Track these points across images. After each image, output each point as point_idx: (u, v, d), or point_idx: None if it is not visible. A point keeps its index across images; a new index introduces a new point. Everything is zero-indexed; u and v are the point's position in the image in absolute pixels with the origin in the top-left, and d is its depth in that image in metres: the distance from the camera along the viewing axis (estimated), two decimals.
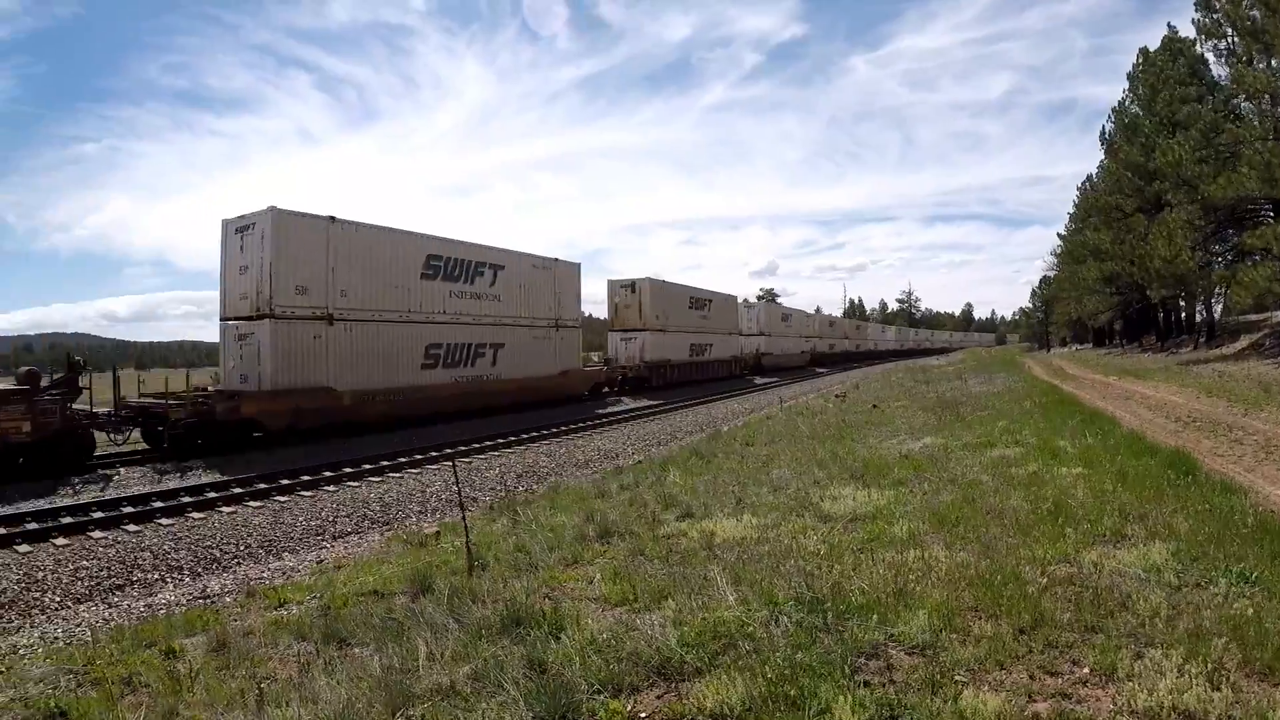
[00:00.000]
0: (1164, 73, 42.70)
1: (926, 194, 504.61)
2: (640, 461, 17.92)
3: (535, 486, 16.03)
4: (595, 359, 46.86)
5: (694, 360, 50.75)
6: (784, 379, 58.03)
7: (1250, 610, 5.35)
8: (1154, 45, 47.84)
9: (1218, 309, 56.71)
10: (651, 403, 35.96)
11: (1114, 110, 57.01)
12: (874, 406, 25.32)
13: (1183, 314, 59.85)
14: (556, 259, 35.18)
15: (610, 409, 33.57)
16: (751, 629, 5.41)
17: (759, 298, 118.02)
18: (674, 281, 49.93)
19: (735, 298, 62.10)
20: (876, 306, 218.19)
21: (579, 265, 37.58)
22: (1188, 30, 39.35)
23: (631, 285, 45.62)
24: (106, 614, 9.05)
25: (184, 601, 9.23)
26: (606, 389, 40.93)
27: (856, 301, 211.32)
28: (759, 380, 55.66)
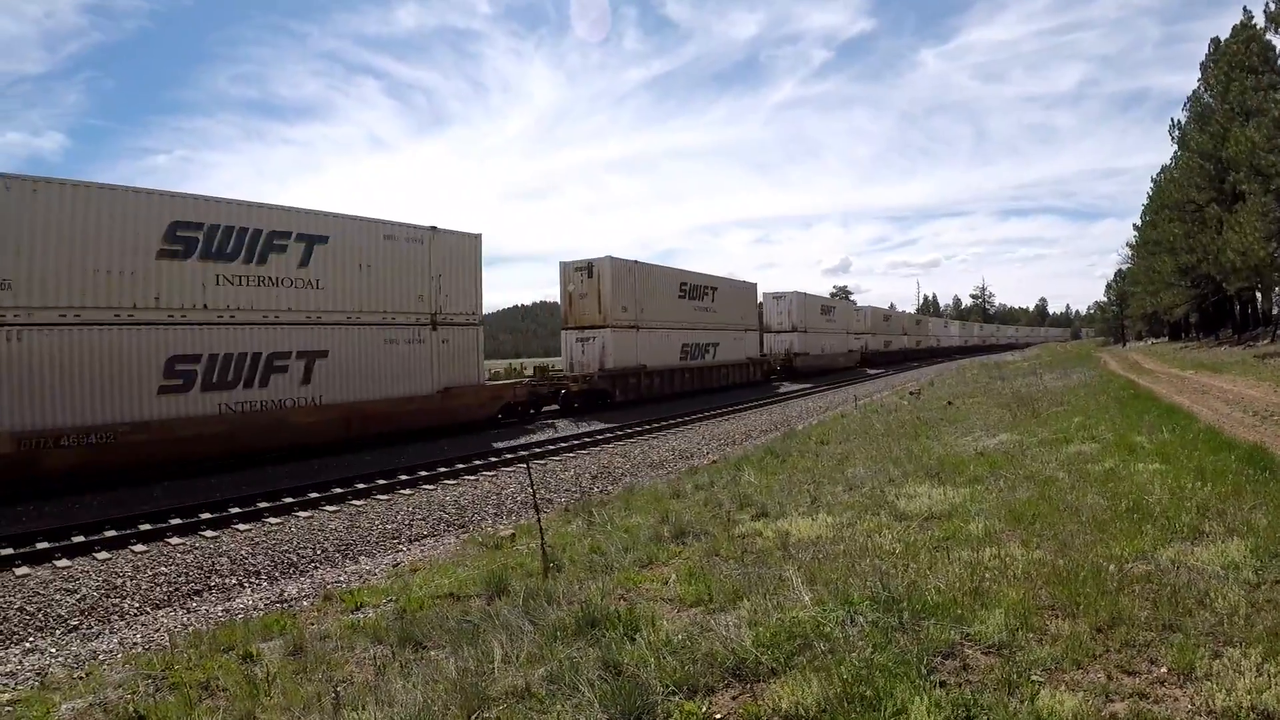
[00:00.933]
0: (1236, 60, 41.84)
1: (999, 188, 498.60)
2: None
3: (611, 488, 16.13)
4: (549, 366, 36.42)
5: (688, 365, 39.70)
6: (822, 383, 48.65)
7: None
8: (1225, 33, 46.99)
9: None
10: (598, 428, 25.83)
11: (1188, 100, 56.18)
12: (949, 403, 25.16)
13: (1259, 306, 58.59)
14: (436, 227, 24.91)
15: (519, 440, 23.56)
16: (827, 629, 5.41)
17: (833, 294, 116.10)
18: (655, 263, 38.31)
19: (753, 286, 50.27)
20: (950, 302, 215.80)
21: (479, 237, 26.86)
22: (1261, 17, 38.51)
23: (588, 267, 34.08)
24: (185, 619, 9.25)
25: (261, 606, 9.39)
26: (534, 409, 29.76)
27: (930, 297, 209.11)
28: (785, 388, 45.58)
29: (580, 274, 34.23)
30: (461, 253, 26.01)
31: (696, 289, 41.52)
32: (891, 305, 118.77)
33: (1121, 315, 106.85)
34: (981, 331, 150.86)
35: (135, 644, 8.39)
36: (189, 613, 9.48)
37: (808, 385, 47.07)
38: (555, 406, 31.75)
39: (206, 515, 13.43)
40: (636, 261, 35.88)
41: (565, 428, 26.67)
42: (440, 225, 25.06)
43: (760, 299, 53.36)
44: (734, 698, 4.73)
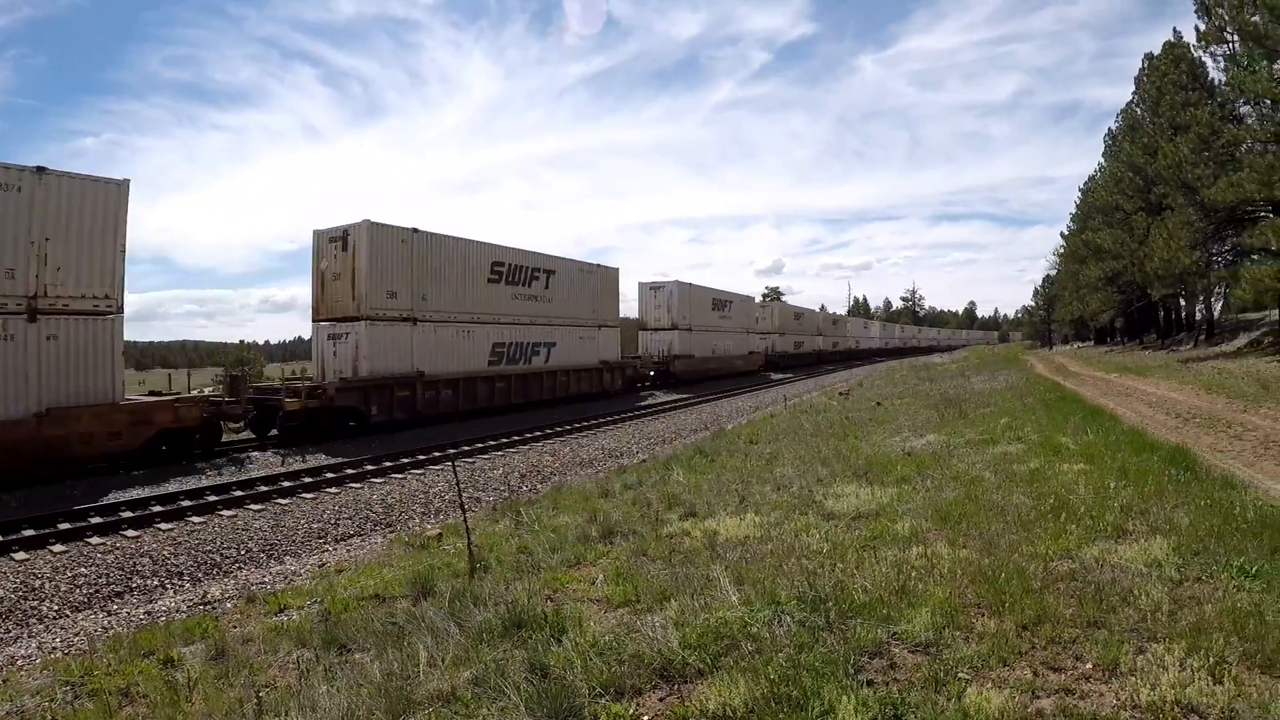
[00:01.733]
0: (1167, 77, 42.76)
1: (933, 193, 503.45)
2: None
3: (539, 486, 16.03)
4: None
5: (503, 372, 30.30)
6: (703, 392, 40.31)
7: (1251, 604, 5.35)
8: (1159, 49, 48.01)
9: (1217, 307, 56.74)
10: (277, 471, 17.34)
11: (1121, 113, 57.53)
12: (877, 404, 25.46)
13: (1183, 312, 59.89)
14: (43, 169, 16.76)
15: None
16: (754, 629, 5.41)
17: (766, 295, 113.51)
18: (452, 234, 28.59)
19: (611, 271, 40.26)
20: (881, 305, 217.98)
21: (123, 185, 18.47)
22: (1192, 35, 39.45)
23: (343, 236, 24.91)
24: (106, 622, 9.00)
25: (183, 608, 9.14)
26: (216, 438, 20.61)
27: (861, 299, 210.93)
28: (653, 400, 37.11)
29: (334, 246, 25.28)
30: (87, 207, 17.59)
31: (520, 271, 31.69)
32: (822, 307, 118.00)
33: (1049, 319, 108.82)
34: (903, 333, 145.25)
35: (54, 649, 8.13)
36: (110, 615, 9.21)
37: (683, 396, 38.18)
38: (270, 432, 23.12)
39: (128, 514, 13.10)
40: (416, 230, 26.43)
41: (237, 469, 18.34)
42: (50, 167, 16.95)
43: (634, 290, 49.23)
44: (661, 699, 4.69)
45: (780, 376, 58.44)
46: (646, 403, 35.53)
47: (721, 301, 55.49)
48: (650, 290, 48.47)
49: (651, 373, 44.69)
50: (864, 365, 79.69)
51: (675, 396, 38.25)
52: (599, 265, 39.14)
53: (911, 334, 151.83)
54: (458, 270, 28.37)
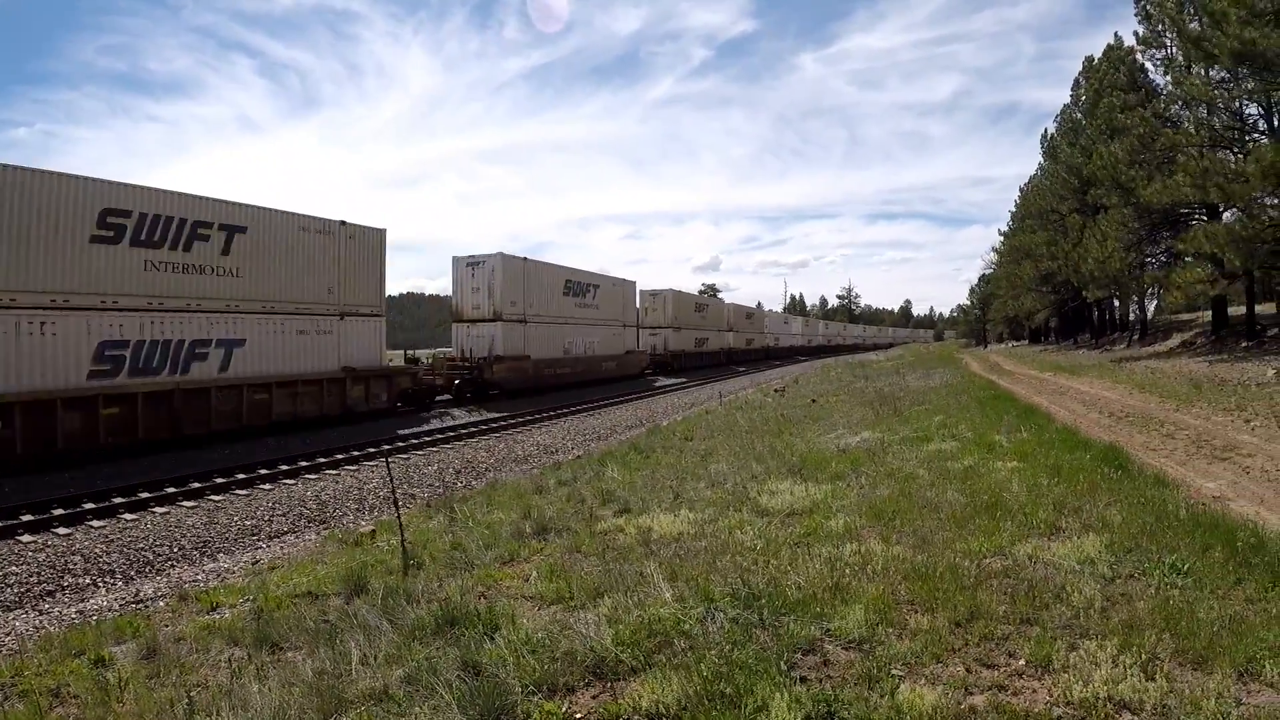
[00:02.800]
0: (1106, 80, 43.39)
1: (871, 192, 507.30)
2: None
3: (474, 483, 15.91)
4: None
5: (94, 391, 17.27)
6: (538, 409, 29.16)
7: (1183, 601, 5.42)
8: (1099, 52, 48.73)
9: (1150, 308, 57.74)
10: None
11: (1058, 116, 58.43)
12: (812, 401, 25.64)
13: (1116, 313, 60.90)
14: None
15: None
16: (687, 626, 5.39)
17: (702, 292, 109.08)
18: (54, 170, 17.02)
19: (376, 233, 26.66)
20: (817, 302, 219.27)
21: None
22: (1131, 39, 40.08)
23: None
24: (37, 621, 8.79)
25: (116, 607, 8.96)
26: None
27: (798, 297, 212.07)
28: (420, 426, 24.61)
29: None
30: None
31: (173, 230, 19.52)
32: (759, 304, 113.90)
33: (984, 318, 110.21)
34: (828, 330, 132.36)
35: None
36: (41, 615, 8.98)
37: (480, 419, 26.46)
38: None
39: (59, 511, 12.79)
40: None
41: None
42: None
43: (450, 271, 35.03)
44: (594, 697, 4.66)
45: (671, 383, 46.20)
46: (414, 429, 23.74)
47: (581, 285, 42.07)
48: (467, 267, 34.36)
49: (457, 381, 31.90)
50: (782, 366, 71.42)
51: (472, 419, 26.57)
52: (340, 222, 25.11)
53: (836, 331, 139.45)
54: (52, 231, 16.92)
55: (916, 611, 5.60)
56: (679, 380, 47.97)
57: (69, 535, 11.72)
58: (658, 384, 44.84)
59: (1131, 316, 55.71)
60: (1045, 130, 62.10)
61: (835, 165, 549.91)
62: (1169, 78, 35.11)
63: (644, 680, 4.70)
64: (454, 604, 6.19)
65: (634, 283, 51.22)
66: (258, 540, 12.07)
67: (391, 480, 9.89)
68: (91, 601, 9.37)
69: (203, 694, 5.18)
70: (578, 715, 4.46)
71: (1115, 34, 44.86)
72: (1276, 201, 27.42)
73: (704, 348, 63.67)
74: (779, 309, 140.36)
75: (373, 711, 4.61)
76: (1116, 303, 58.10)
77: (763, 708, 4.21)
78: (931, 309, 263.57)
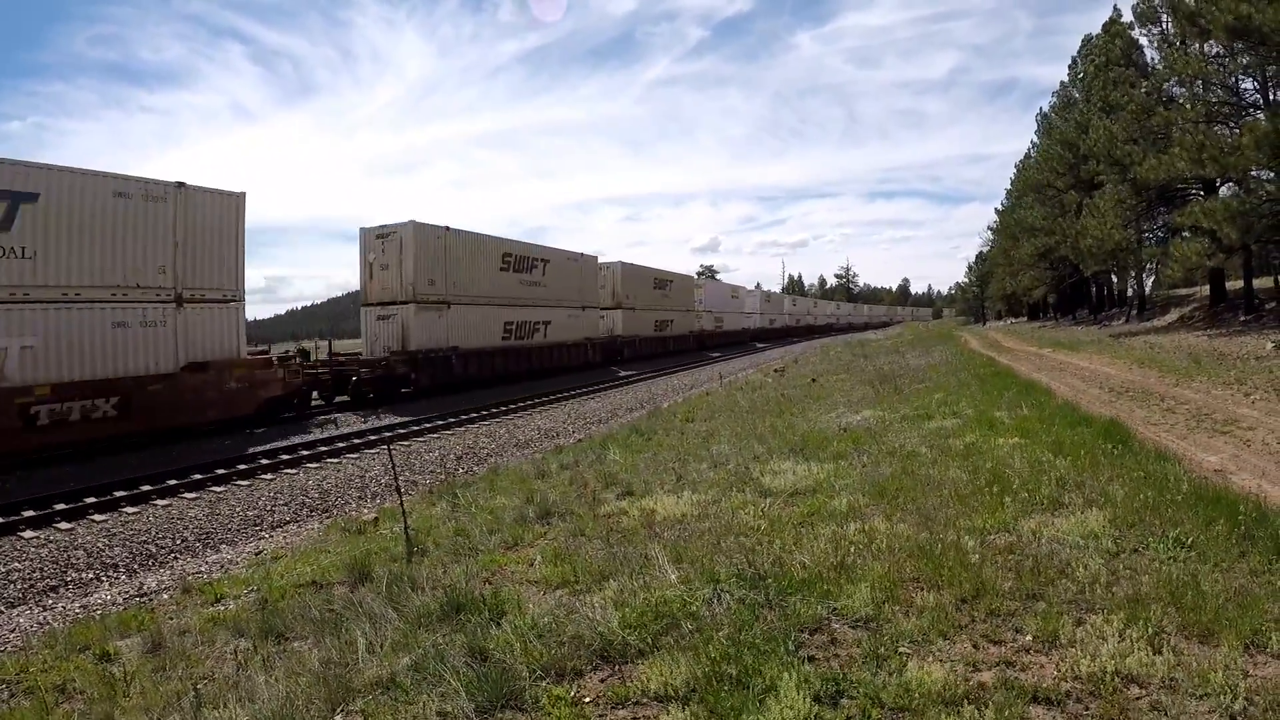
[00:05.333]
0: (1103, 56, 43.30)
1: (868, 170, 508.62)
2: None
3: (475, 469, 15.91)
4: None
5: None
6: (451, 410, 23.79)
7: (1187, 575, 5.41)
8: (1097, 27, 48.67)
9: (1148, 283, 57.66)
10: None
11: (1055, 92, 58.44)
12: (812, 380, 25.53)
13: (1114, 288, 60.91)
14: None
15: None
16: (694, 608, 5.39)
17: (700, 274, 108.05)
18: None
19: (223, 195, 21.19)
20: (816, 282, 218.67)
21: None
22: (1128, 15, 39.96)
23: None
24: (42, 617, 8.79)
25: (119, 601, 8.94)
26: None
27: (796, 277, 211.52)
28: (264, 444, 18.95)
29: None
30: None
31: None
32: (758, 285, 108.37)
33: (982, 296, 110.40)
34: (794, 308, 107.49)
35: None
36: (45, 610, 8.96)
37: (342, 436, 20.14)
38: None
39: (61, 506, 12.77)
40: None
41: None
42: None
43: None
44: (602, 680, 4.66)
45: (622, 374, 39.12)
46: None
47: (526, 260, 36.35)
48: (376, 239, 28.76)
49: (355, 379, 26.73)
50: (741, 356, 55.08)
51: (346, 431, 21.06)
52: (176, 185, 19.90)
53: (804, 309, 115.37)
54: None
55: (922, 589, 5.60)
56: (631, 371, 40.82)
57: (70, 530, 11.72)
58: (620, 374, 39.14)
59: (1130, 292, 55.68)
60: (1039, 109, 62.20)
61: (833, 144, 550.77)
62: (1162, 55, 35.01)
63: (652, 663, 4.69)
64: (459, 590, 6.18)
65: (595, 257, 45.06)
66: (260, 530, 12.04)
67: (394, 468, 9.88)
68: (95, 596, 9.35)
69: (209, 686, 5.17)
70: (586, 699, 4.46)
71: (1115, 6, 44.65)
72: (1272, 175, 27.44)
73: (666, 331, 55.81)
74: (778, 289, 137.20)
75: (381, 700, 4.60)
76: (1115, 278, 58.10)
77: (771, 688, 4.21)
78: (930, 287, 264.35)
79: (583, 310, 42.14)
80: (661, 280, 55.35)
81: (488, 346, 32.39)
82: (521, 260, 35.68)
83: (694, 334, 61.62)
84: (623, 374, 39.06)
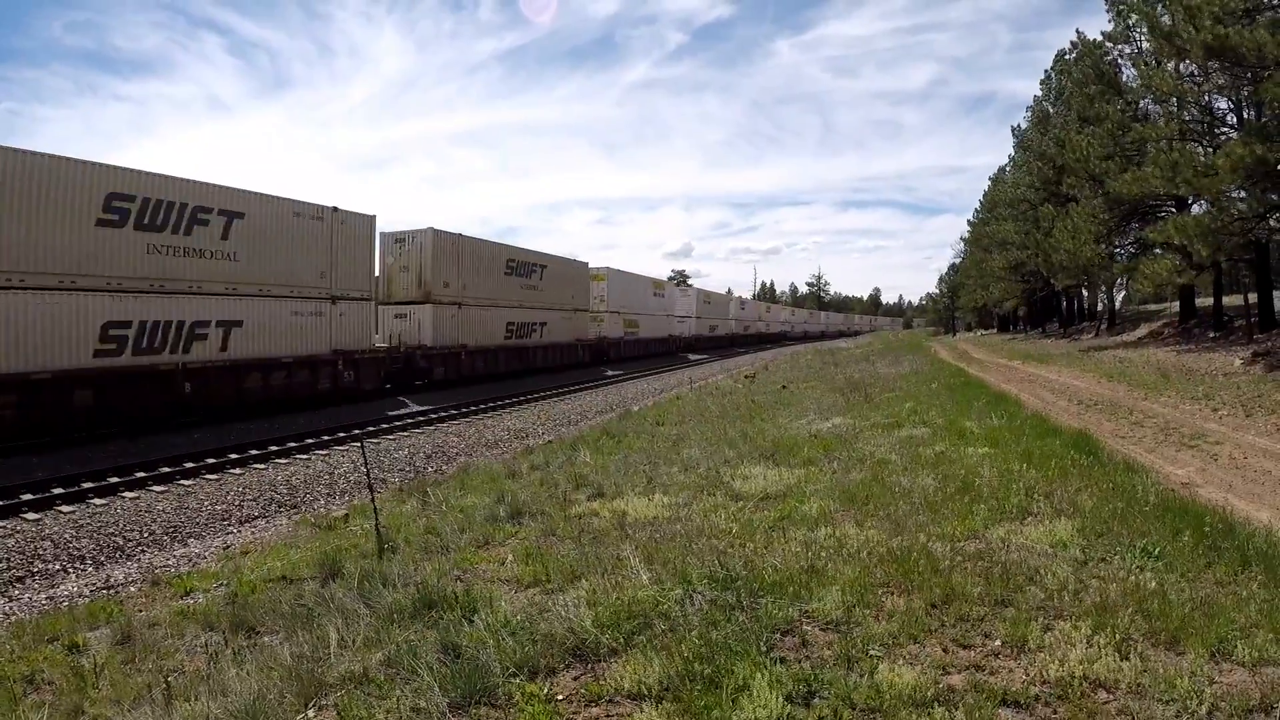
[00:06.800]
0: (1077, 72, 43.63)
1: (843, 179, 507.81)
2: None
3: (445, 467, 15.89)
4: None
5: None
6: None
7: (1154, 583, 5.48)
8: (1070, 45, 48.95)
9: (1119, 298, 58.30)
10: None
11: (1030, 106, 58.69)
12: (783, 387, 25.67)
13: (1085, 302, 61.33)
14: None
15: None
16: (666, 608, 5.42)
17: (672, 279, 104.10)
18: None
19: None
20: (788, 289, 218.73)
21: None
22: (1098, 34, 40.30)
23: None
24: (7, 608, 8.71)
25: (87, 593, 8.87)
26: None
27: (768, 284, 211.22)
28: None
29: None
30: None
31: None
32: (729, 290, 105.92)
33: (953, 307, 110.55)
34: (743, 312, 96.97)
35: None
36: (11, 601, 8.89)
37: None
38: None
39: (27, 496, 12.66)
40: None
41: None
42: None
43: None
44: (575, 678, 4.67)
45: (617, 373, 41.29)
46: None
47: (527, 265, 39.28)
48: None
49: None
50: (664, 373, 43.84)
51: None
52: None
53: (757, 314, 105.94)
54: None
55: (893, 593, 5.64)
56: (620, 372, 41.91)
57: (38, 520, 11.61)
58: (609, 373, 40.99)
59: (1100, 306, 56.12)
60: (1014, 125, 62.48)
61: (809, 152, 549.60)
62: (1138, 72, 35.31)
63: (625, 661, 4.71)
64: (431, 587, 6.17)
65: (586, 264, 47.75)
66: (229, 525, 11.98)
67: (367, 464, 9.83)
68: (62, 587, 9.27)
69: (180, 679, 5.14)
70: (560, 696, 4.46)
71: (1076, 30, 45.03)
72: (1245, 195, 27.72)
73: (631, 336, 54.65)
74: (749, 295, 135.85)
75: (354, 695, 4.58)
76: (1085, 292, 58.51)
77: (744, 688, 4.23)
78: (901, 297, 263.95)
79: (575, 312, 45.18)
80: (524, 263, 39.85)
81: (492, 345, 35.55)
82: (522, 265, 39.03)
83: (585, 342, 47.50)
84: (610, 373, 41.63)
